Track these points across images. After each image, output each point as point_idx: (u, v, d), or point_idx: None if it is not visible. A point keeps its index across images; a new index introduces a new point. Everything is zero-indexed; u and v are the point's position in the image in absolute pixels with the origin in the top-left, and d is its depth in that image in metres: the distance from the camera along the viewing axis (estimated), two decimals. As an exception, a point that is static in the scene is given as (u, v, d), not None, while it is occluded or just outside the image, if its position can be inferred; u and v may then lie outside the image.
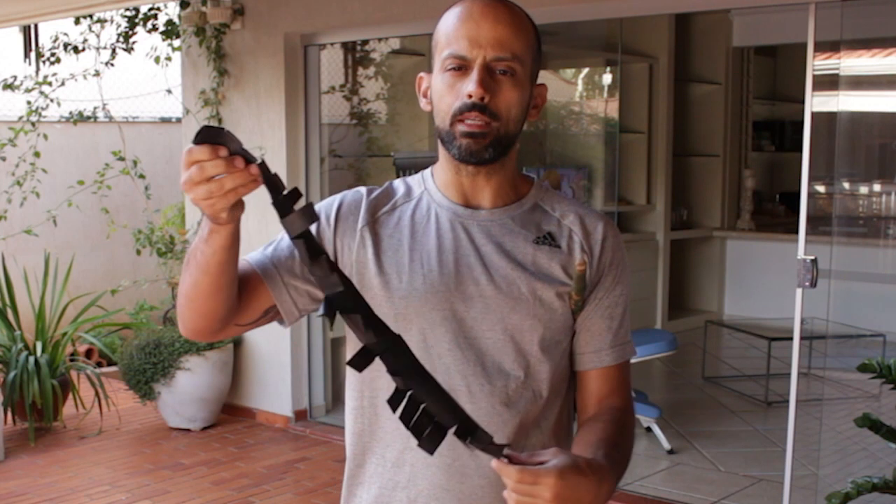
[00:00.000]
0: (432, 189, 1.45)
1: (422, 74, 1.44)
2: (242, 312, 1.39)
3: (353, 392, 1.46)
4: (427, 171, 1.48)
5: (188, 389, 5.24)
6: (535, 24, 1.43)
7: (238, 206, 1.21)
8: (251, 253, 1.45)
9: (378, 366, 1.41)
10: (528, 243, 1.41)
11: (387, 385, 1.40)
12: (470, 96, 1.33)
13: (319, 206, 1.45)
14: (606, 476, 1.23)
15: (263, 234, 5.27)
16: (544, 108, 7.77)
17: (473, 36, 1.34)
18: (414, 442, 1.37)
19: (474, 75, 1.33)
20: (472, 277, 1.38)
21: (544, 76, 7.38)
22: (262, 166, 1.14)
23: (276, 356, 5.40)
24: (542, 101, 1.43)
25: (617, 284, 1.43)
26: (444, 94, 1.36)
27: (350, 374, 1.47)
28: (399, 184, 1.49)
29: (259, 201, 5.01)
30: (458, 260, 1.39)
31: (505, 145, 1.37)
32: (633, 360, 1.51)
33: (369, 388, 1.43)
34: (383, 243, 1.41)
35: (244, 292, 1.38)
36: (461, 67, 1.34)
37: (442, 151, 1.42)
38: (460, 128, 1.35)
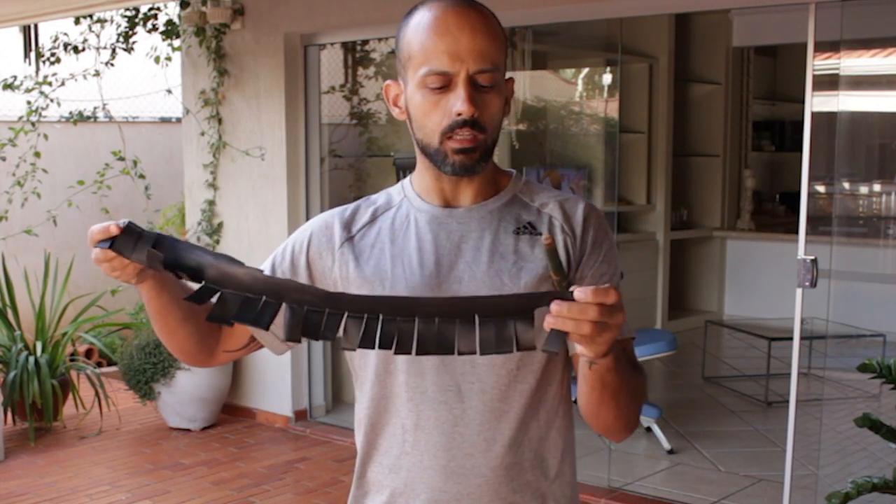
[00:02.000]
0: (411, 195, 1.45)
1: (389, 82, 1.42)
2: (227, 340, 1.46)
3: (357, 404, 1.47)
4: (406, 180, 1.49)
5: (188, 389, 5.24)
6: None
7: (138, 275, 1.30)
8: None
9: (372, 371, 1.40)
10: (508, 234, 1.40)
11: (388, 394, 1.41)
12: (460, 114, 1.32)
13: (287, 242, 1.51)
14: (619, 343, 1.24)
15: (263, 235, 5.29)
16: (544, 108, 7.76)
17: (454, 50, 1.31)
18: (408, 447, 1.38)
19: (461, 92, 1.31)
20: (454, 275, 1.38)
21: (544, 76, 7.40)
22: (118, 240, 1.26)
23: (275, 356, 5.38)
24: (511, 94, 1.42)
25: (602, 263, 1.41)
26: (428, 111, 1.34)
27: (355, 386, 1.48)
28: (379, 196, 1.50)
29: (259, 200, 5.03)
30: (438, 260, 1.39)
31: (491, 153, 1.38)
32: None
33: (368, 396, 1.43)
34: (364, 255, 1.42)
35: None
36: (444, 84, 1.32)
37: (422, 160, 1.42)
38: (451, 145, 1.34)
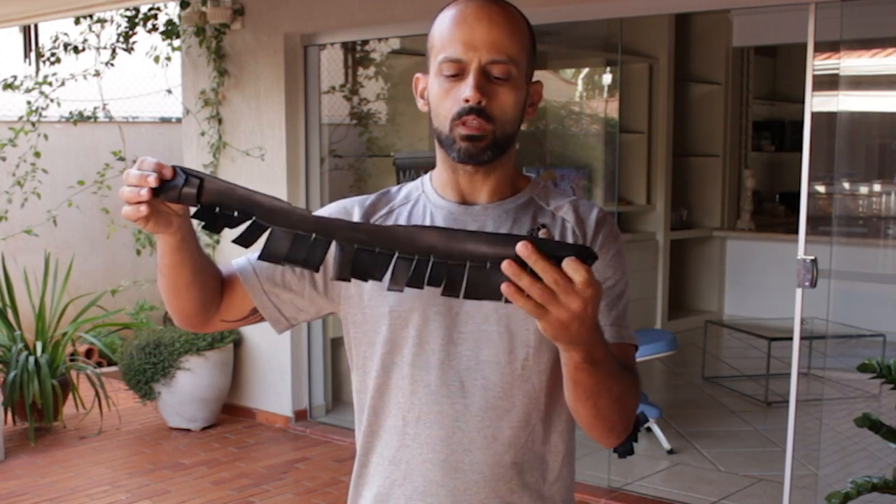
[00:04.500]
0: (429, 191, 1.46)
1: (418, 75, 1.45)
2: (227, 309, 1.46)
3: (358, 394, 1.47)
4: (426, 176, 1.49)
5: (188, 389, 5.24)
6: (531, 23, 1.42)
7: (159, 222, 1.28)
8: (240, 257, 1.49)
9: (378, 361, 1.40)
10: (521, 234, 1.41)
11: (392, 385, 1.41)
12: (467, 101, 1.33)
13: None
14: (603, 349, 1.21)
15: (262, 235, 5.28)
16: (544, 108, 7.76)
17: (468, 39, 1.34)
18: (409, 439, 1.38)
19: (471, 80, 1.33)
20: None
21: (544, 76, 7.39)
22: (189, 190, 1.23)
23: (276, 356, 5.39)
24: (538, 98, 1.43)
25: (607, 266, 1.40)
26: (441, 98, 1.36)
27: (354, 376, 1.48)
28: (397, 189, 1.51)
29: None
30: None
31: (502, 146, 1.38)
32: (632, 361, 1.49)
33: (372, 387, 1.43)
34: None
35: (228, 292, 1.45)
36: (458, 72, 1.35)
37: (440, 153, 1.43)
38: (460, 131, 1.35)
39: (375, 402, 1.43)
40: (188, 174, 1.22)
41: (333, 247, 1.19)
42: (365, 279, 1.18)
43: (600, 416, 1.31)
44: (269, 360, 5.44)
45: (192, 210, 1.24)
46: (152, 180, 1.21)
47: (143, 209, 1.22)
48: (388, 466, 1.42)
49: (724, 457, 4.75)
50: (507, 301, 1.12)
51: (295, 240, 1.19)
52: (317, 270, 1.21)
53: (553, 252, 1.10)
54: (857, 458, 4.51)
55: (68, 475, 4.66)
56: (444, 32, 1.36)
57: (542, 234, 1.21)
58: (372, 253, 1.17)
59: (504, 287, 1.09)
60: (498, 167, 1.41)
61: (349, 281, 1.20)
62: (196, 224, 1.32)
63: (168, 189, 1.22)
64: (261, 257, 1.21)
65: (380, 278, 1.17)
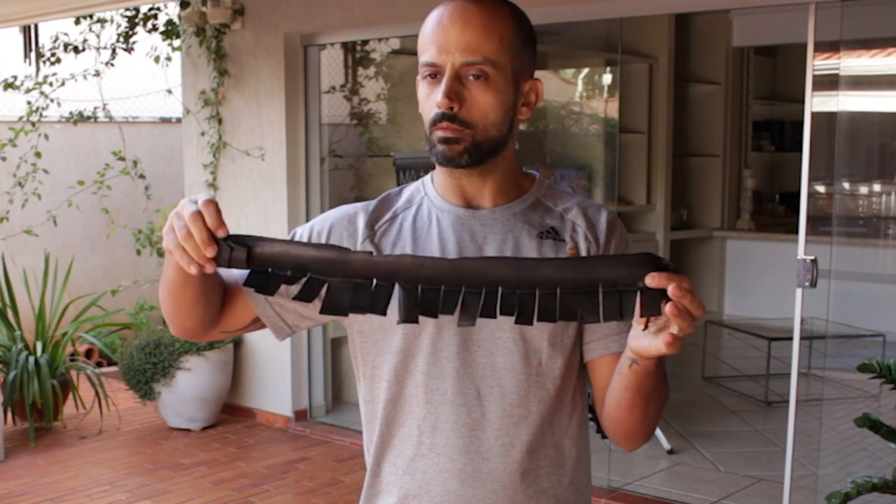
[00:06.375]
0: (432, 194, 1.45)
1: (419, 77, 1.45)
2: (227, 320, 1.42)
3: (367, 404, 1.45)
4: (427, 178, 1.48)
5: (188, 389, 5.24)
6: (527, 20, 1.39)
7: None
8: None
9: (390, 371, 1.39)
10: (531, 238, 1.39)
11: (405, 395, 1.40)
12: (439, 107, 1.33)
13: (305, 227, 1.48)
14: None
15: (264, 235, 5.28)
16: (544, 108, 7.74)
17: (442, 42, 1.33)
18: (425, 448, 1.38)
19: (442, 85, 1.32)
20: None
21: (545, 76, 7.39)
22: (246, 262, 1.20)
23: (276, 356, 5.39)
24: (536, 97, 1.41)
25: None
26: (423, 102, 1.37)
27: (361, 385, 1.46)
28: (398, 192, 1.49)
29: (259, 200, 5.02)
30: None
31: (486, 149, 1.36)
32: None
33: (384, 397, 1.41)
34: (385, 252, 1.40)
35: (229, 302, 1.41)
36: (435, 74, 1.34)
37: None
38: (437, 134, 1.34)
39: (388, 412, 1.41)
40: (232, 249, 1.19)
41: (397, 290, 1.16)
42: (435, 316, 1.16)
43: (646, 420, 1.34)
44: (269, 360, 5.44)
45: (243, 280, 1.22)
46: (210, 252, 1.19)
47: (195, 270, 1.21)
48: (402, 476, 1.40)
49: (724, 457, 4.75)
50: (582, 320, 1.14)
51: (356, 289, 1.16)
52: (384, 315, 1.19)
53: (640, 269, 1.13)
54: (857, 458, 4.51)
55: (68, 475, 4.66)
56: (424, 36, 1.36)
57: (569, 249, 1.21)
58: (438, 291, 1.15)
59: (669, 308, 1.12)
60: (494, 169, 1.40)
61: (417, 323, 1.18)
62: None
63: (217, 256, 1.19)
64: (322, 311, 1.19)
65: (451, 313, 1.16)
